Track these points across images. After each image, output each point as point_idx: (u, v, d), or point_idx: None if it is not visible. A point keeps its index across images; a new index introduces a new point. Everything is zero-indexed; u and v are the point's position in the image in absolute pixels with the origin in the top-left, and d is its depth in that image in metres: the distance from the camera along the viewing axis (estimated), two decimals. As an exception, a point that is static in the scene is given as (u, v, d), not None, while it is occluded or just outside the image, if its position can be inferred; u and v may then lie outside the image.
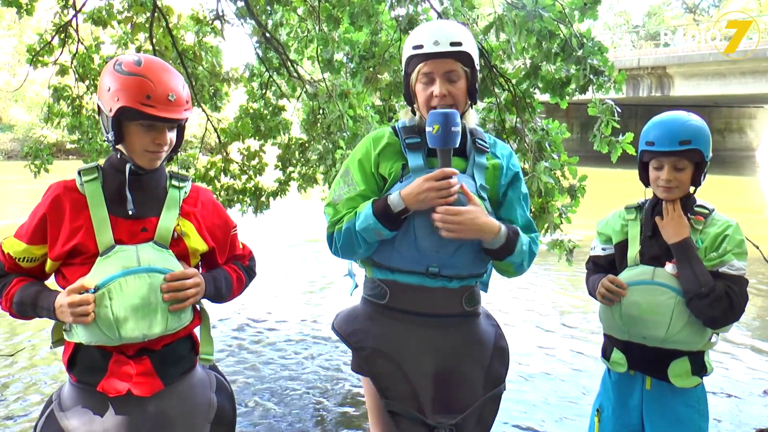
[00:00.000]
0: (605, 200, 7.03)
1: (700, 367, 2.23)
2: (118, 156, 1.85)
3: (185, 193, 1.94)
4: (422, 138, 1.97)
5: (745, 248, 2.17)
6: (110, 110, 1.76)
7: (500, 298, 7.48)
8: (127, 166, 1.82)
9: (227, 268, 2.05)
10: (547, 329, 6.24)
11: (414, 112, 2.04)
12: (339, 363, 5.19)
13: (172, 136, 1.85)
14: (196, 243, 1.91)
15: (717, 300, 2.08)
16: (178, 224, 1.87)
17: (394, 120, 5.28)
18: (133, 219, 1.82)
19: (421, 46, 1.93)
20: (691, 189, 2.28)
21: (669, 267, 2.20)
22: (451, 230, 1.84)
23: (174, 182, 1.93)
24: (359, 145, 2.04)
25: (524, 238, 1.98)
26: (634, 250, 2.32)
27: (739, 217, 2.38)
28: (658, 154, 2.22)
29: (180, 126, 1.88)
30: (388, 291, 2.01)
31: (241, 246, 2.14)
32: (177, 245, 1.86)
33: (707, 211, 2.25)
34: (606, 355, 2.40)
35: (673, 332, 2.16)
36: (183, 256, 1.87)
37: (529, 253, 2.01)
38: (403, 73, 2.02)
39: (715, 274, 2.13)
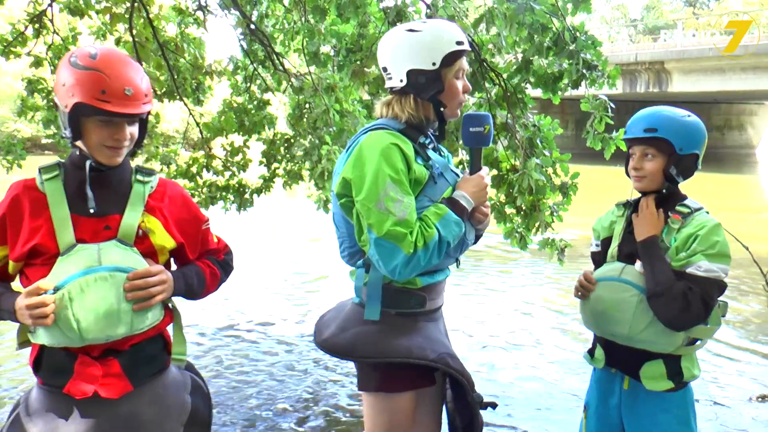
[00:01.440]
0: (600, 198, 7.06)
1: (676, 372, 2.23)
2: (77, 153, 1.84)
3: (151, 188, 1.93)
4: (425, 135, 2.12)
5: (721, 250, 2.14)
6: (66, 106, 1.74)
7: (493, 296, 7.52)
8: (87, 163, 1.80)
9: (200, 264, 2.04)
10: (541, 329, 6.26)
11: (440, 108, 2.08)
12: (326, 364, 5.19)
13: (132, 130, 1.83)
14: (163, 239, 1.90)
15: (672, 300, 2.08)
16: (143, 221, 1.86)
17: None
18: (95, 217, 1.81)
19: (462, 43, 2.06)
20: (670, 186, 2.30)
21: (638, 265, 2.24)
22: (483, 222, 2.15)
23: (139, 177, 1.92)
24: (383, 155, 1.93)
25: None
26: (614, 246, 2.39)
27: (738, 216, 2.39)
28: (629, 142, 2.33)
29: (142, 119, 1.87)
30: (426, 296, 2.08)
31: (215, 240, 2.14)
32: (142, 242, 1.85)
33: (688, 210, 2.25)
34: (591, 351, 2.46)
35: (636, 330, 2.19)
36: (149, 253, 1.86)
37: None
38: (435, 66, 2.01)
39: (682, 275, 2.13)
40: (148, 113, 1.86)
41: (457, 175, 2.15)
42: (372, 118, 5.46)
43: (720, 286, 2.14)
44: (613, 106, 4.53)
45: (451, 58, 2.03)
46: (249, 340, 5.90)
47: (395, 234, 1.87)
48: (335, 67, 5.58)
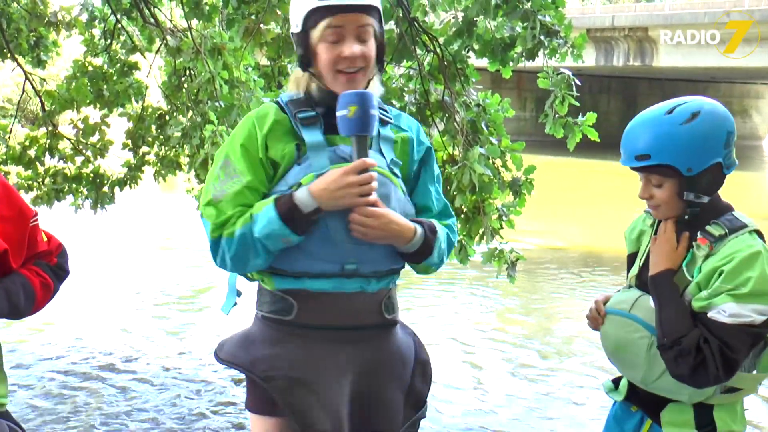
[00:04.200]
0: (566, 199, 7.22)
1: (706, 422, 2.24)
2: None
3: None
4: (318, 111, 2.12)
5: (756, 288, 2.05)
6: None
7: (423, 323, 7.59)
8: None
9: (26, 273, 2.02)
10: (485, 365, 6.36)
11: (315, 79, 2.14)
12: (203, 410, 5.15)
13: None
14: None
15: (683, 355, 2.07)
16: None
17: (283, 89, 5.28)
18: None
19: None
20: (693, 210, 2.25)
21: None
22: (365, 234, 2.04)
23: None
24: (239, 127, 2.15)
25: (441, 233, 2.22)
26: (634, 270, 2.41)
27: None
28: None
29: None
30: (294, 303, 2.11)
31: (45, 239, 2.12)
32: None
33: (722, 232, 2.16)
34: (617, 380, 2.49)
35: (651, 378, 2.22)
36: None
37: (448, 247, 2.27)
38: (298, 29, 2.11)
39: (702, 319, 2.11)
40: None
41: (347, 160, 2.11)
42: (274, 91, 5.46)
43: (754, 335, 2.08)
44: (578, 82, 4.65)
45: (313, 19, 2.06)
46: (103, 378, 5.76)
47: (206, 214, 2.07)
48: (223, 23, 5.55)
